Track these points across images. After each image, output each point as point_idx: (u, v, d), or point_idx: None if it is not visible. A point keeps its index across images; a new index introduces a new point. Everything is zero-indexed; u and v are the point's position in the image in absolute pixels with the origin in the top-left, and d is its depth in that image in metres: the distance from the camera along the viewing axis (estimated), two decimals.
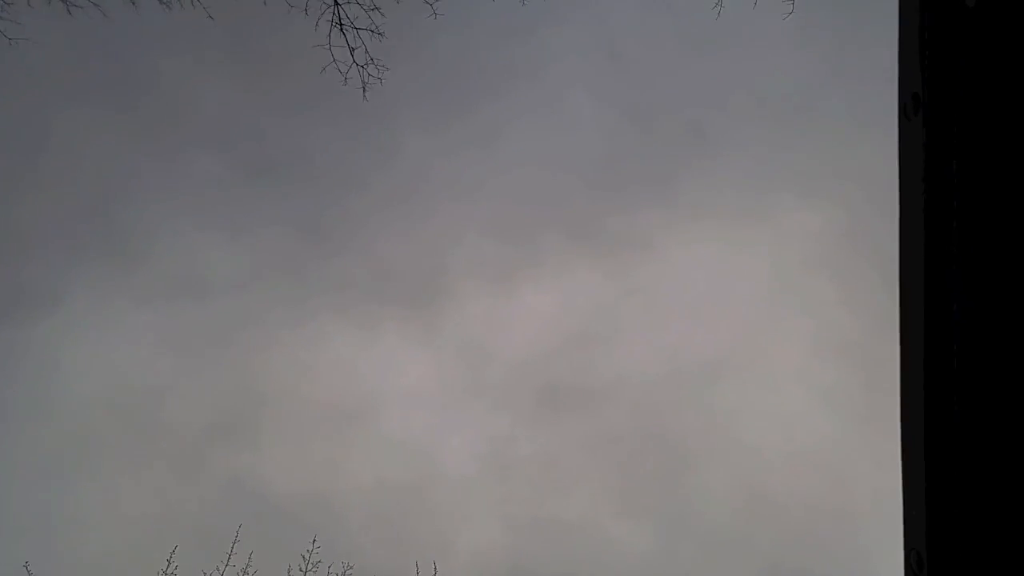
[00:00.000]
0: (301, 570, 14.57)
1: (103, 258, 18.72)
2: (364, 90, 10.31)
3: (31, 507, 16.98)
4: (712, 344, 18.79)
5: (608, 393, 19.07)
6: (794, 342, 18.08)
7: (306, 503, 16.37)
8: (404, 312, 19.69)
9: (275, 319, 19.02)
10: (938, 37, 1.01)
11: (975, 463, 0.94)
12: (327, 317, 19.12)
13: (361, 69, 10.08)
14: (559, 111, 20.86)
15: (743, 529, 16.38)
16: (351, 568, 14.75)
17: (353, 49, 9.92)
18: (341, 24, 9.71)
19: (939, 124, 1.00)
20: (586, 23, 20.65)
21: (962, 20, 1.00)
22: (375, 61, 10.05)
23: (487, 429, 19.03)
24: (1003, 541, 0.94)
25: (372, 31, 9.89)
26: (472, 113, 20.49)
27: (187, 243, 18.60)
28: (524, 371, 19.53)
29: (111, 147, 19.01)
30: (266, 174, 20.11)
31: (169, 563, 14.80)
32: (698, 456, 17.41)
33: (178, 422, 17.84)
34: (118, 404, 17.58)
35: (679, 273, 19.43)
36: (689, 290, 19.34)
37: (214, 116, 19.46)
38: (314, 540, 14.65)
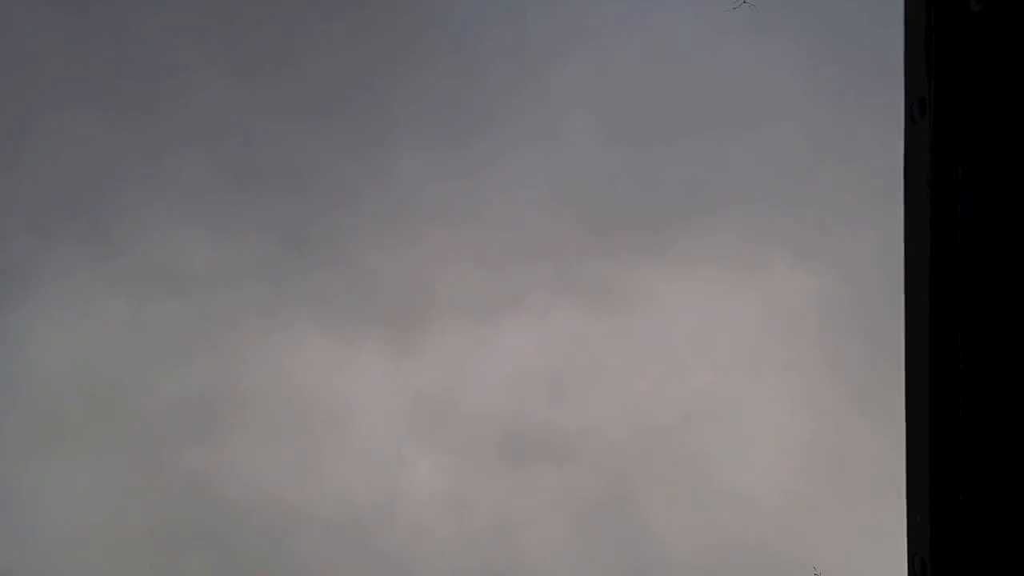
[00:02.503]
0: None
1: (80, 245, 18.46)
2: None
3: None
4: (690, 395, 18.55)
5: (578, 439, 18.78)
6: (772, 400, 17.87)
7: (262, 508, 15.96)
8: (381, 333, 19.43)
9: (251, 322, 18.77)
10: (944, 41, 1.01)
11: (979, 469, 0.95)
12: (303, 327, 18.86)
13: None
14: (559, 146, 20.74)
15: None
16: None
17: None
18: None
19: (945, 127, 1.00)
20: (595, 63, 20.58)
21: (967, 25, 1.00)
22: None
23: (451, 466, 18.72)
24: (1006, 547, 0.93)
25: None
26: (471, 140, 20.34)
27: (167, 239, 18.37)
28: (494, 410, 19.25)
29: (98, 136, 18.80)
30: (255, 179, 19.91)
31: None
32: (665, 508, 17.07)
33: (143, 414, 17.59)
34: (84, 390, 17.29)
35: (664, 320, 19.22)
36: (672, 338, 19.12)
37: (207, 115, 19.27)
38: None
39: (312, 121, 20.07)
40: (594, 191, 19.97)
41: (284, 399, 18.63)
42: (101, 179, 19.31)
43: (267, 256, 19.50)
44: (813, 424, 17.60)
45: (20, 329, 17.75)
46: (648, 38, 19.94)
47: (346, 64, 19.68)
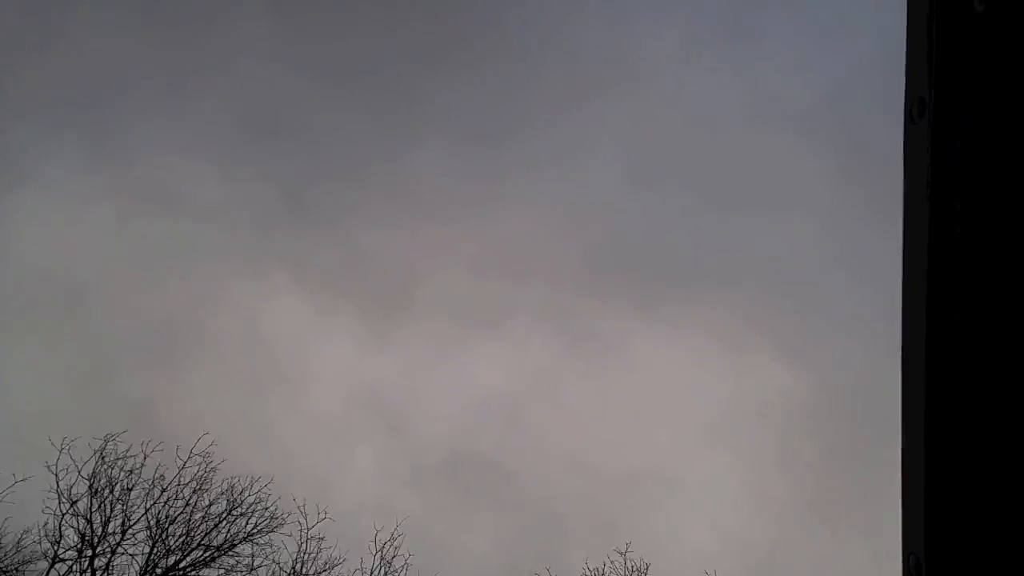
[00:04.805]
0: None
1: (83, 146, 18.13)
2: None
3: None
4: (641, 453, 18.51)
5: (521, 469, 18.65)
6: (718, 480, 17.88)
7: (198, 449, 15.59)
8: (357, 313, 19.22)
9: (231, 264, 18.50)
10: (946, 41, 1.02)
11: (975, 465, 0.96)
12: (281, 283, 18.62)
13: None
14: (580, 179, 20.72)
15: None
16: None
17: None
18: None
19: (945, 127, 1.01)
20: (635, 109, 20.62)
21: (971, 24, 1.01)
22: None
23: (388, 465, 18.52)
24: (1003, 545, 0.94)
25: None
26: (495, 149, 20.28)
27: (170, 162, 18.12)
28: (447, 422, 19.09)
29: (128, 46, 18.51)
30: (271, 128, 19.70)
31: None
32: (589, 554, 16.94)
33: (104, 323, 17.27)
34: (54, 288, 16.91)
35: (636, 375, 19.20)
36: (639, 395, 19.09)
37: (243, 54, 19.06)
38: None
39: (343, 88, 19.91)
40: (603, 232, 19.97)
41: (245, 347, 18.37)
42: (121, 86, 19.00)
43: (263, 205, 19.29)
44: (750, 514, 17.64)
45: (4, 214, 17.37)
46: (694, 100, 20.04)
47: (391, 45, 19.56)
